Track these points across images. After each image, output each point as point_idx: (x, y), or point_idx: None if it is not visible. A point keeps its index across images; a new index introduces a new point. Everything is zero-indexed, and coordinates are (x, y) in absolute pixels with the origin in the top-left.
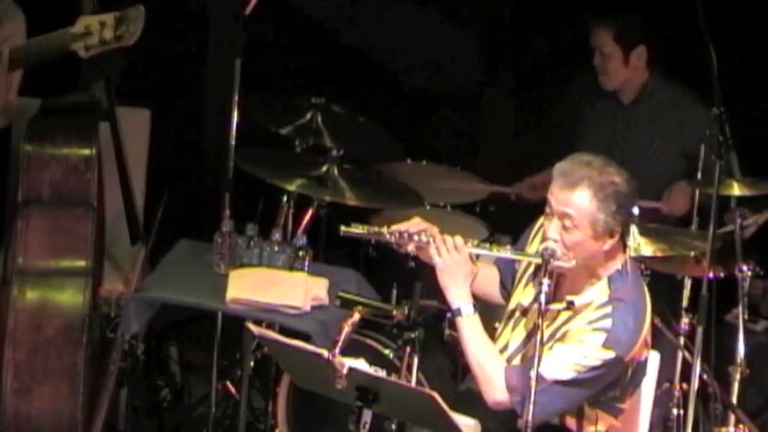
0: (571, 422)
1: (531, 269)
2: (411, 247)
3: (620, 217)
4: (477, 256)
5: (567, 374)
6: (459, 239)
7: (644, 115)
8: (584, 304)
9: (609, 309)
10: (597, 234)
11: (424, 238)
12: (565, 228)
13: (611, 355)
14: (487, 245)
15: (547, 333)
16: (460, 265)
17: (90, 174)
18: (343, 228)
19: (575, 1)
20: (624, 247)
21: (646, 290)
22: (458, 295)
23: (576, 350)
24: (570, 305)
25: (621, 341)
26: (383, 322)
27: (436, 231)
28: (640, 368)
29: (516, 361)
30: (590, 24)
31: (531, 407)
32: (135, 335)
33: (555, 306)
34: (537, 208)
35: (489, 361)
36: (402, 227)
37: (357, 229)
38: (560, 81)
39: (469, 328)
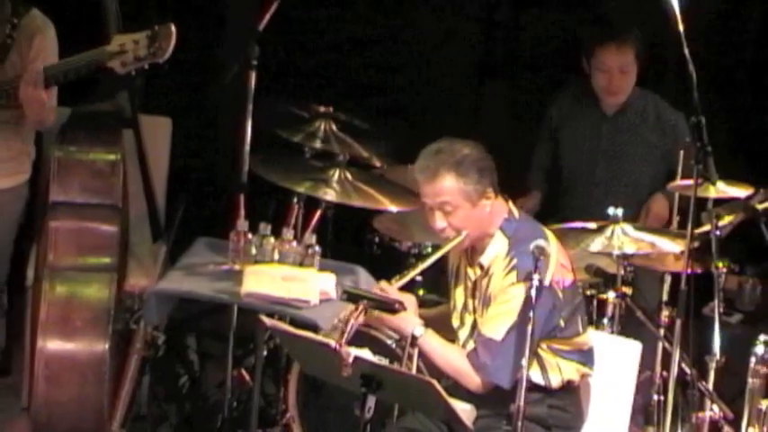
0: (536, 376)
1: (452, 266)
2: (359, 325)
3: (485, 180)
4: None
5: (509, 322)
6: (383, 284)
7: (628, 124)
8: (492, 259)
9: (512, 252)
10: (474, 203)
11: (356, 316)
12: (446, 213)
13: (529, 284)
14: (410, 268)
15: (478, 303)
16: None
17: (115, 177)
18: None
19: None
20: (505, 200)
21: (539, 224)
22: (407, 325)
23: (502, 299)
24: (482, 268)
25: (532, 269)
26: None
27: (361, 303)
28: (570, 292)
29: (468, 347)
30: (604, 45)
31: (499, 373)
32: (156, 326)
33: (474, 276)
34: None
35: (452, 357)
36: (344, 320)
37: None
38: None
39: (430, 344)
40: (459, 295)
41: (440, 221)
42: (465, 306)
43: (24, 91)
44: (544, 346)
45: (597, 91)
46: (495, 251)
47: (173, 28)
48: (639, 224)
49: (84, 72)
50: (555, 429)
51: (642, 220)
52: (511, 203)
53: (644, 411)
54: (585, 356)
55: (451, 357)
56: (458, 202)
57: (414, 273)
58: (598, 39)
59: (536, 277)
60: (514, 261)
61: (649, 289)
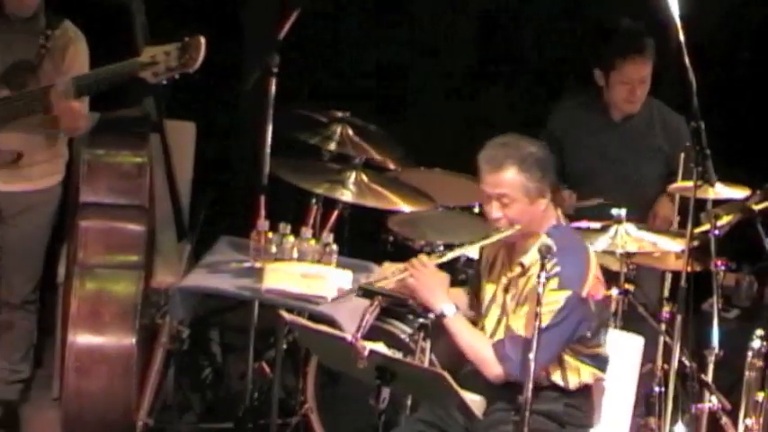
0: (556, 375)
1: (488, 256)
2: (390, 288)
3: (545, 179)
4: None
5: (542, 324)
6: (423, 257)
7: (635, 131)
8: (533, 261)
9: (555, 259)
10: (532, 200)
11: (398, 273)
12: (503, 204)
13: (568, 293)
14: (451, 249)
15: (513, 303)
16: (431, 277)
17: (142, 179)
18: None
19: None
20: (555, 206)
21: (581, 238)
22: (437, 301)
23: (540, 302)
24: (522, 267)
25: (573, 278)
26: (400, 310)
27: (401, 265)
28: (601, 306)
29: (495, 338)
30: (627, 58)
31: (525, 370)
32: (181, 321)
33: (512, 274)
34: None
35: (479, 345)
36: (377, 276)
37: (341, 290)
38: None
39: (456, 326)
40: (489, 287)
41: (496, 212)
42: (494, 298)
43: (57, 103)
44: (567, 349)
45: (615, 101)
46: (537, 254)
47: (202, 40)
48: (647, 226)
49: (117, 82)
50: (569, 427)
51: (650, 223)
52: (560, 211)
53: (646, 402)
54: (602, 362)
55: (477, 344)
56: (516, 195)
57: (454, 254)
58: (620, 52)
59: (543, 274)
60: (557, 268)
61: (650, 286)
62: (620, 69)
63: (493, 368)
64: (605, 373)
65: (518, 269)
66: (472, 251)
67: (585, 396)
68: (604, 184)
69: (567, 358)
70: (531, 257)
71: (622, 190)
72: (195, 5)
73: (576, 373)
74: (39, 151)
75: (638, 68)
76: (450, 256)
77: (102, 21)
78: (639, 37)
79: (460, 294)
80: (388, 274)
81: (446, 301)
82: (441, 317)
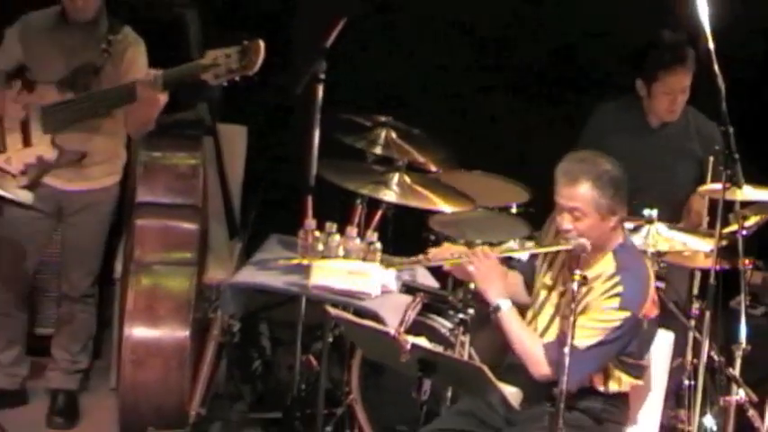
0: (598, 382)
1: (549, 255)
2: (446, 268)
3: (618, 198)
4: (510, 259)
5: (596, 339)
6: (486, 249)
7: (671, 137)
8: (595, 277)
9: (618, 278)
10: (603, 216)
11: (457, 256)
12: (575, 218)
13: (627, 314)
14: (512, 246)
15: (567, 308)
16: (492, 269)
17: (196, 179)
18: (384, 263)
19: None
20: (623, 226)
21: (645, 259)
22: (495, 294)
23: (598, 317)
24: (585, 280)
25: (634, 301)
26: (441, 306)
27: (466, 249)
28: (651, 325)
29: (546, 338)
30: (670, 70)
31: (570, 376)
32: (232, 315)
33: (573, 284)
34: None
35: (529, 342)
36: (437, 253)
37: (399, 262)
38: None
39: (509, 320)
40: (544, 285)
41: (567, 224)
42: (548, 298)
43: (143, 91)
44: (614, 359)
45: (656, 110)
46: (602, 270)
47: (261, 43)
48: (682, 223)
49: (180, 84)
50: (606, 423)
51: (684, 219)
52: (627, 232)
53: (676, 395)
54: (641, 371)
55: (528, 342)
56: (588, 210)
57: (517, 252)
58: (663, 64)
59: (578, 272)
60: (620, 288)
61: (680, 283)
62: (663, 80)
63: (541, 367)
64: (643, 381)
65: (579, 279)
66: (532, 253)
67: (623, 397)
68: (639, 186)
69: (611, 368)
70: (594, 272)
71: (656, 192)
72: (247, 15)
73: (617, 382)
74: (99, 152)
75: (679, 79)
76: (512, 252)
77: (160, 30)
78: (681, 48)
79: (515, 276)
80: (447, 255)
81: (503, 296)
82: (495, 309)
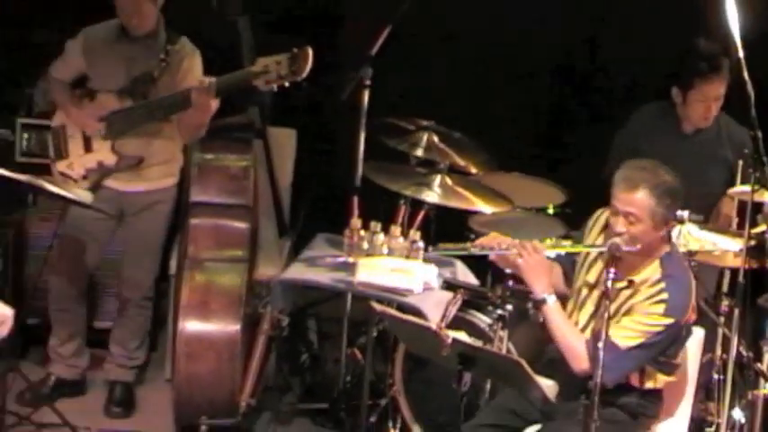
0: (634, 379)
1: (592, 254)
2: (492, 257)
3: (672, 209)
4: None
5: (637, 341)
6: (537, 243)
7: (704, 142)
8: (642, 281)
9: (663, 284)
10: (656, 224)
11: (505, 247)
12: (629, 222)
13: (671, 320)
14: (562, 243)
15: (613, 308)
16: (540, 263)
17: (247, 181)
18: (431, 247)
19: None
20: (670, 236)
21: (688, 267)
22: (542, 289)
23: (642, 320)
24: (631, 283)
25: (678, 308)
26: (480, 302)
27: (515, 241)
28: (688, 329)
29: (586, 334)
30: (706, 78)
31: (609, 373)
32: (281, 310)
33: (619, 285)
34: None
35: (572, 336)
36: (484, 242)
37: (446, 246)
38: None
39: (554, 314)
40: (586, 282)
41: (620, 227)
42: (590, 295)
43: (198, 97)
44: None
45: (691, 117)
46: (648, 275)
47: (310, 50)
48: (711, 224)
49: (233, 90)
50: (641, 418)
51: (713, 220)
52: (675, 243)
53: (706, 389)
54: (676, 369)
55: (571, 337)
56: (643, 216)
57: (565, 249)
58: (698, 73)
59: (612, 271)
60: (665, 295)
61: (709, 281)
62: (699, 88)
63: (581, 361)
64: (675, 377)
65: (625, 283)
66: (578, 252)
67: (658, 392)
68: None
69: (648, 367)
70: (640, 277)
71: (688, 195)
72: (297, 23)
73: (653, 380)
74: (156, 155)
75: (714, 87)
76: (560, 249)
77: (214, 37)
78: (717, 58)
79: (555, 267)
80: (494, 245)
81: (549, 290)
82: (541, 302)
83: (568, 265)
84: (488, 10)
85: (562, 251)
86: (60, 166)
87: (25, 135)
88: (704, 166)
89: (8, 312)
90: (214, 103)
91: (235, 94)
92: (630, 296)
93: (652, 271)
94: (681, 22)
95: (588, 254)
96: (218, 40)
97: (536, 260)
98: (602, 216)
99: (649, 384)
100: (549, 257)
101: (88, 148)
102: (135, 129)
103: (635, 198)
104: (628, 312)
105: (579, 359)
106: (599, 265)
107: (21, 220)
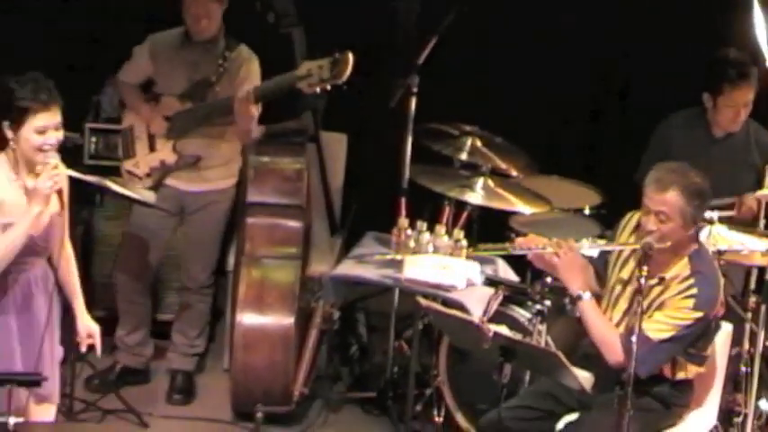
0: (666, 370)
1: (625, 253)
2: (530, 257)
3: (701, 209)
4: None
5: (669, 334)
6: (572, 242)
7: (734, 147)
8: (672, 278)
9: (693, 280)
10: (686, 223)
11: (542, 247)
12: (660, 221)
13: (700, 314)
14: (596, 242)
15: (645, 304)
16: (576, 262)
17: (300, 182)
18: (471, 249)
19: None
20: (698, 235)
21: (716, 264)
22: (577, 285)
23: (673, 315)
24: (662, 280)
25: (707, 302)
26: (520, 297)
27: (552, 241)
28: (717, 322)
29: (620, 329)
30: (735, 85)
31: (642, 365)
32: (332, 304)
33: (651, 282)
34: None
35: (607, 330)
36: (522, 243)
37: (486, 247)
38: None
39: (589, 310)
40: (619, 279)
41: (652, 225)
42: (623, 292)
43: (239, 106)
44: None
45: (720, 122)
46: (678, 272)
47: (350, 55)
48: (735, 211)
49: (279, 93)
50: (673, 407)
51: (736, 211)
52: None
53: (734, 381)
54: (705, 360)
55: (606, 331)
56: (673, 215)
57: (602, 247)
58: (728, 79)
59: (645, 268)
60: (695, 290)
61: (737, 279)
62: (728, 95)
63: (615, 354)
64: (705, 368)
65: (656, 280)
66: (613, 248)
67: (689, 383)
68: None
69: (679, 358)
70: (671, 273)
71: (718, 196)
72: (348, 35)
73: (684, 371)
74: (215, 156)
75: (743, 94)
76: (599, 246)
77: (269, 47)
78: (746, 66)
79: (588, 266)
80: (531, 245)
81: (584, 287)
82: (577, 299)
83: (600, 265)
84: (528, 20)
85: (597, 249)
86: (128, 164)
87: (93, 138)
88: (733, 169)
89: (96, 328)
90: (254, 110)
91: (290, 100)
92: (661, 292)
93: (681, 268)
94: (712, 35)
95: (620, 253)
96: (272, 51)
97: (572, 258)
98: (632, 218)
99: (681, 375)
100: (584, 256)
101: (152, 147)
102: (193, 130)
103: (666, 198)
104: (659, 307)
105: (614, 352)
106: (631, 263)
107: (89, 218)
